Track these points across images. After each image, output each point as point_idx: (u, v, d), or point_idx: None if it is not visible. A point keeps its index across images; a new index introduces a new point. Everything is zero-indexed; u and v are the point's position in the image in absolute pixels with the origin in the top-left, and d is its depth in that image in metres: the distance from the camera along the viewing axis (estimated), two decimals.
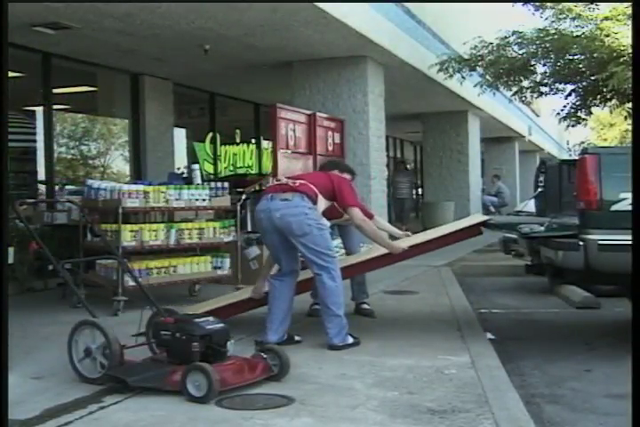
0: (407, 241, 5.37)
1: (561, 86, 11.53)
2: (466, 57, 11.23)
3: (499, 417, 3.22)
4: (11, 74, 5.09)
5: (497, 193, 19.04)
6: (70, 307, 6.05)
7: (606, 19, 10.24)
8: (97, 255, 5.85)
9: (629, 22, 9.42)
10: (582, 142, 34.29)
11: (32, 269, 7.37)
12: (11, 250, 6.33)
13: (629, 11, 9.53)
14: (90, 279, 6.55)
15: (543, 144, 28.96)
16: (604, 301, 6.65)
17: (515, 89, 11.77)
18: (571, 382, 4.29)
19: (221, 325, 3.90)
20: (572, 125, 12.37)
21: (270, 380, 3.81)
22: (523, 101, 13.03)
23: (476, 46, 11.09)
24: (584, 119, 12.04)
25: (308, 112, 9.41)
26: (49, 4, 6.79)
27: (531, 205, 7.19)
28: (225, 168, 13.42)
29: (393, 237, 5.61)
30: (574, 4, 10.63)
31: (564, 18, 10.60)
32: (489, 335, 5.35)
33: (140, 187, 6.47)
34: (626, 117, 12.94)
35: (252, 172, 14.04)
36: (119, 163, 11.11)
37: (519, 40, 10.74)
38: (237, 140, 14.19)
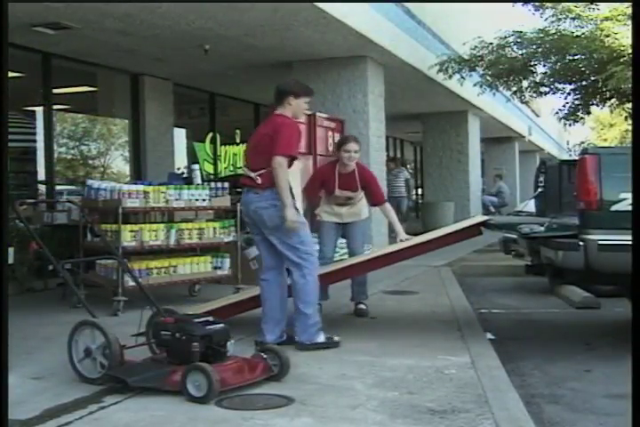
0: (407, 242, 5.37)
1: (561, 86, 11.54)
2: (466, 57, 11.24)
3: (499, 417, 3.22)
4: (11, 74, 5.09)
5: (497, 193, 19.01)
6: (70, 307, 6.05)
7: (606, 19, 10.25)
8: (97, 255, 5.85)
9: (629, 22, 9.42)
10: (582, 142, 34.31)
11: (32, 270, 7.37)
12: (11, 250, 6.34)
13: (629, 11, 9.53)
14: (90, 279, 6.55)
15: (543, 144, 28.96)
16: (604, 301, 6.65)
17: (514, 89, 11.78)
18: (571, 382, 4.29)
19: (221, 325, 3.89)
20: (571, 124, 12.39)
21: (270, 380, 3.81)
22: (522, 101, 13.04)
23: (475, 46, 11.09)
24: (582, 118, 12.06)
25: (308, 112, 9.41)
26: (49, 4, 6.80)
27: (531, 206, 7.19)
28: (225, 168, 13.42)
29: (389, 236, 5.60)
30: (574, 4, 10.64)
31: (565, 18, 10.60)
32: (489, 335, 5.35)
33: (140, 187, 6.46)
34: (626, 117, 12.95)
35: None
36: (119, 163, 11.11)
37: (519, 40, 10.75)
38: (237, 141, 14.18)
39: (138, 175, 10.56)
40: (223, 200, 7.18)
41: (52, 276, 7.22)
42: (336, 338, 4.74)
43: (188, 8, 7.22)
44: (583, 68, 10.57)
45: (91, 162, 10.86)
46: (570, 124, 12.35)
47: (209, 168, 12.90)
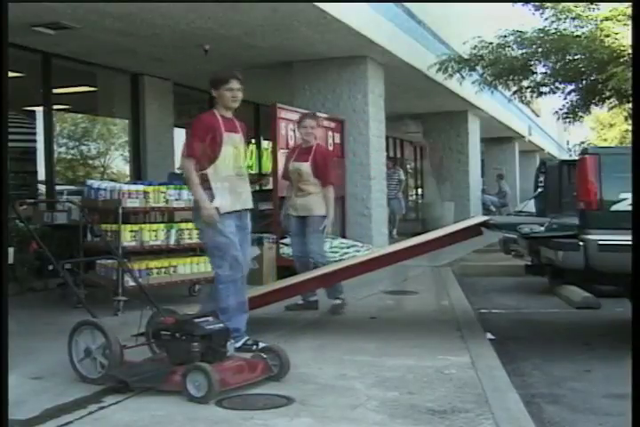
0: (406, 242, 5.38)
1: (561, 86, 11.54)
2: (466, 57, 11.24)
3: (499, 417, 3.22)
4: (11, 74, 5.09)
5: (499, 192, 19.00)
6: (70, 307, 6.05)
7: (606, 19, 10.25)
8: (97, 255, 5.85)
9: (629, 22, 9.42)
10: (582, 142, 34.27)
11: (32, 269, 7.36)
12: (11, 250, 6.34)
13: (629, 11, 9.53)
14: (90, 279, 6.54)
15: (543, 144, 28.96)
16: (603, 301, 6.64)
17: (514, 88, 11.78)
18: (571, 382, 4.29)
19: (221, 325, 3.89)
20: (570, 122, 12.38)
21: (270, 380, 3.81)
22: (522, 101, 13.04)
23: (475, 46, 11.09)
24: (581, 117, 12.05)
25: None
26: (49, 4, 6.80)
27: (531, 206, 7.20)
28: None
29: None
30: (574, 4, 10.64)
31: (565, 18, 10.60)
32: (489, 335, 5.34)
33: (140, 187, 6.46)
34: (626, 118, 12.96)
35: (252, 172, 14.03)
36: (119, 163, 11.11)
37: (519, 40, 10.75)
38: None
39: (138, 175, 10.56)
40: None
41: (52, 276, 7.21)
42: (261, 344, 4.43)
43: (188, 8, 7.22)
44: (583, 69, 10.56)
45: (91, 162, 10.85)
46: (570, 122, 12.34)
47: None
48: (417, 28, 11.31)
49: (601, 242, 4.48)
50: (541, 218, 5.95)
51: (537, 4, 11.06)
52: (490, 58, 10.96)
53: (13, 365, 3.64)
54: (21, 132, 9.01)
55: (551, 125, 29.41)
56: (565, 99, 11.87)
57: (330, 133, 9.86)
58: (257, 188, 9.11)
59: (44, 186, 9.12)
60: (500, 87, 12.10)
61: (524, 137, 23.13)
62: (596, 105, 11.94)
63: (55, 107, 9.29)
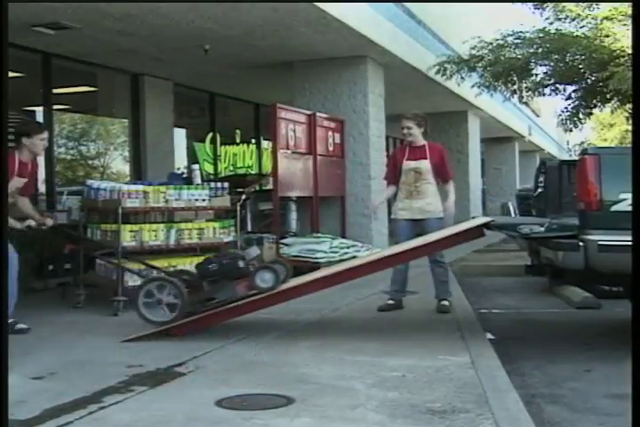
0: (410, 243, 5.38)
1: (561, 87, 11.54)
2: (465, 57, 11.24)
3: (499, 417, 3.22)
4: (11, 74, 5.10)
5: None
6: (71, 307, 6.06)
7: (606, 19, 10.25)
8: (97, 255, 5.87)
9: (629, 22, 9.43)
10: (582, 143, 34.30)
11: (32, 269, 7.36)
12: None
13: (629, 11, 9.54)
14: (90, 279, 6.54)
15: (543, 144, 28.97)
16: (604, 301, 6.65)
17: (514, 88, 11.77)
18: (571, 382, 4.29)
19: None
20: (571, 129, 12.37)
21: (270, 380, 3.81)
22: (522, 101, 13.04)
23: (475, 46, 11.09)
24: (582, 121, 12.04)
25: (308, 112, 9.43)
26: (49, 4, 6.80)
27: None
28: (225, 168, 13.42)
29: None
30: (574, 4, 10.64)
31: (565, 19, 10.61)
32: (489, 335, 5.34)
33: (140, 187, 6.47)
34: (627, 118, 12.95)
35: (252, 172, 14.03)
36: (119, 163, 11.10)
37: (518, 40, 10.75)
38: (237, 141, 14.18)
39: (138, 175, 10.56)
40: (223, 200, 7.18)
41: (52, 276, 7.22)
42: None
43: (188, 8, 7.22)
44: (583, 69, 10.57)
45: (90, 162, 10.85)
46: (571, 129, 12.33)
47: (209, 168, 12.90)
48: (417, 28, 11.31)
49: (601, 242, 4.48)
50: (541, 218, 5.95)
51: (537, 3, 11.07)
52: (489, 58, 10.96)
53: (13, 365, 3.65)
54: None
55: (551, 125, 29.39)
56: (567, 100, 11.86)
57: (330, 133, 9.87)
58: (257, 188, 9.11)
59: (44, 186, 9.12)
60: (499, 88, 12.09)
61: (524, 137, 23.12)
62: (597, 106, 11.93)
63: (55, 107, 9.29)
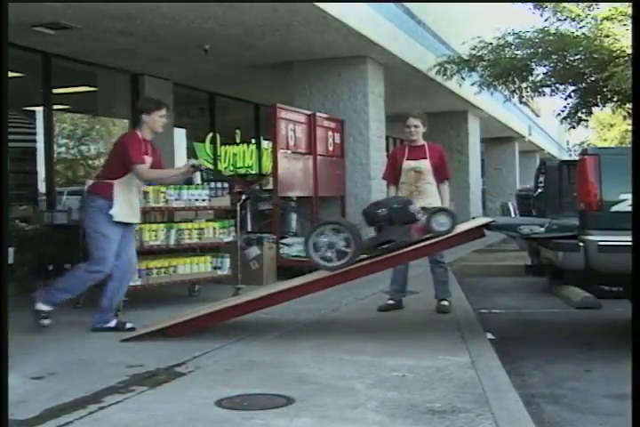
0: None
1: (561, 87, 11.54)
2: (465, 57, 11.24)
3: (499, 417, 3.22)
4: (11, 74, 5.09)
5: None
6: (71, 307, 6.06)
7: (606, 19, 10.25)
8: None
9: (629, 22, 9.43)
10: (582, 143, 34.29)
11: (32, 270, 7.36)
12: (11, 250, 6.34)
13: (629, 11, 9.54)
14: None
15: (543, 144, 28.96)
16: (604, 301, 6.65)
17: (514, 88, 11.77)
18: (571, 382, 4.29)
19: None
20: (573, 127, 12.38)
21: (270, 380, 3.81)
22: (521, 101, 13.04)
23: (475, 46, 11.09)
24: (584, 120, 12.05)
25: (308, 112, 9.42)
26: (49, 3, 6.80)
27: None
28: (225, 168, 13.42)
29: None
30: (574, 4, 10.64)
31: (565, 19, 10.61)
32: (489, 335, 5.34)
33: None
34: (625, 118, 12.95)
35: (252, 172, 14.04)
36: None
37: (517, 40, 10.76)
38: (237, 141, 14.19)
39: None
40: (223, 200, 7.18)
41: (53, 276, 7.20)
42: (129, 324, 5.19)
43: (188, 8, 7.22)
44: (583, 69, 10.57)
45: (91, 162, 10.85)
46: (573, 127, 12.33)
47: None
48: (417, 28, 11.31)
49: (601, 243, 4.48)
50: (541, 218, 5.95)
51: (536, 3, 11.07)
52: (489, 58, 10.96)
53: (13, 365, 3.65)
54: (21, 132, 9.01)
55: (551, 125, 29.42)
56: (566, 99, 11.87)
57: (330, 133, 9.87)
58: (257, 187, 9.11)
59: (44, 186, 9.12)
60: (499, 88, 12.10)
61: (524, 137, 23.13)
62: (597, 106, 11.94)
63: (55, 107, 9.28)
